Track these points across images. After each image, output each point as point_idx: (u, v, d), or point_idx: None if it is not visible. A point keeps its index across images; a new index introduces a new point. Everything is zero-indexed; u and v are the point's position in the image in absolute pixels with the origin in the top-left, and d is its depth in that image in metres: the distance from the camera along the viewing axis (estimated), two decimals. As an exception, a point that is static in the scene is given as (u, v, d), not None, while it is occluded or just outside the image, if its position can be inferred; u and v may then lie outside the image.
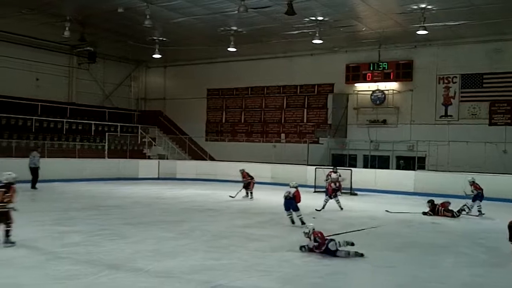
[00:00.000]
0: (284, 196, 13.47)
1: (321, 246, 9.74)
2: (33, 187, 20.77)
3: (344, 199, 20.18)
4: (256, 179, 20.46)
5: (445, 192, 19.47)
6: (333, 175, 18.80)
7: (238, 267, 8.54)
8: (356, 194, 22.42)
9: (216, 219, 14.51)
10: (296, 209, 13.38)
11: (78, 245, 9.85)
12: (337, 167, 20.75)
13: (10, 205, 9.67)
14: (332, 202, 17.17)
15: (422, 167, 25.24)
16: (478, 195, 16.82)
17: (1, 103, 26.63)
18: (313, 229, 10.04)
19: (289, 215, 13.50)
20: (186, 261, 8.83)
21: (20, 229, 11.28)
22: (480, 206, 16.79)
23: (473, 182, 17.05)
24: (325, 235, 10.02)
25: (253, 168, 21.56)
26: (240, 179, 20.15)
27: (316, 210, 16.49)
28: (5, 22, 25.88)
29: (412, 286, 7.96)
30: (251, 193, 19.94)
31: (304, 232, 10.05)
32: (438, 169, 24.27)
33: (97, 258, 8.90)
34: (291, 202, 13.34)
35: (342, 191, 21.52)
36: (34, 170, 20.93)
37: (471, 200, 16.91)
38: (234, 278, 7.73)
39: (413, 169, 24.73)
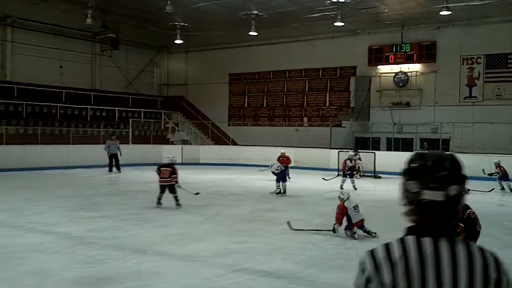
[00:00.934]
0: (277, 172, 16.10)
1: (338, 220, 9.94)
2: (114, 170, 22.84)
3: (367, 182, 20.29)
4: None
5: (470, 174, 19.09)
6: (350, 152, 19.58)
7: (263, 251, 8.61)
8: (379, 177, 22.35)
9: (240, 203, 14.62)
10: (285, 180, 16.40)
11: (104, 230, 10.02)
12: (358, 150, 20.95)
13: (177, 184, 13.19)
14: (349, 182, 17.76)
15: (446, 149, 24.93)
16: (503, 176, 18.13)
17: (26, 91, 27.07)
18: (348, 197, 10.13)
19: (278, 186, 16.08)
20: (211, 245, 8.92)
21: (47, 215, 11.53)
22: (510, 185, 17.86)
23: (499, 164, 18.19)
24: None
25: (276, 152, 21.60)
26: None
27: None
28: (29, 11, 26.21)
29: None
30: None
31: (339, 196, 10.26)
32: (463, 151, 23.95)
33: (124, 242, 9.05)
34: (284, 175, 16.33)
35: (366, 174, 21.71)
36: (110, 156, 22.87)
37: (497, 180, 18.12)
38: (259, 262, 7.79)
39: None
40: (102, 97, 30.92)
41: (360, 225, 10.01)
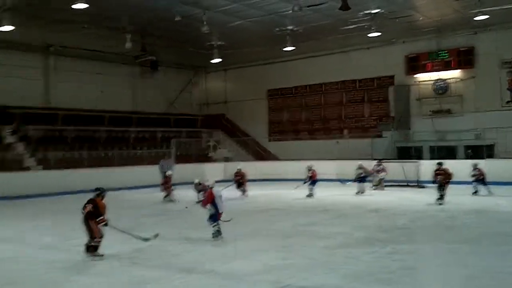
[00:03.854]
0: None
1: (204, 203, 10.99)
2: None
3: (411, 192, 20.10)
4: (320, 176, 20.52)
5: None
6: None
7: (306, 266, 8.64)
8: (423, 187, 22.02)
9: (281, 218, 14.67)
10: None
11: (149, 250, 10.16)
12: (382, 160, 22.77)
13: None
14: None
15: (491, 155, 24.46)
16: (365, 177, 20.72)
17: (70, 116, 27.89)
18: (214, 185, 11.36)
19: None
20: (254, 262, 9.00)
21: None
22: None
23: (361, 166, 20.68)
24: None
25: (317, 166, 21.56)
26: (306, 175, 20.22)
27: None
28: (70, 38, 27.06)
29: (484, 277, 7.84)
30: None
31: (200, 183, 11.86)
32: (509, 156, 23.48)
33: (168, 262, 9.21)
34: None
35: (409, 184, 21.55)
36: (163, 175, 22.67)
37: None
38: (302, 277, 7.82)
39: (482, 158, 24.01)
40: (144, 119, 31.53)
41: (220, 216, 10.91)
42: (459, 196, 17.94)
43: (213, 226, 10.87)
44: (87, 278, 8.24)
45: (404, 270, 8.31)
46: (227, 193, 18.93)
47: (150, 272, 8.52)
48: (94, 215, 9.36)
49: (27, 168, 23.36)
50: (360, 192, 20.10)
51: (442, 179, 16.67)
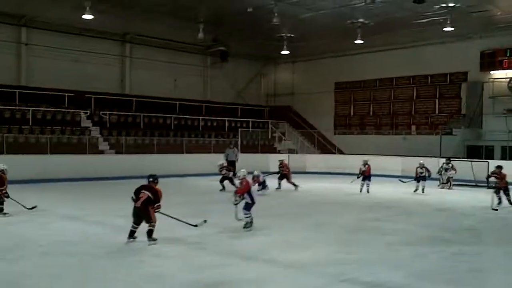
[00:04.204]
0: None
1: (239, 191, 11.20)
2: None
3: (480, 193, 19.55)
4: (385, 172, 20.33)
5: None
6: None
7: (370, 261, 8.65)
8: (493, 187, 21.40)
9: (346, 212, 14.67)
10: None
11: (211, 237, 10.34)
12: (451, 158, 21.97)
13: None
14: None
15: None
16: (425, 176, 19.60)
17: (143, 103, 28.83)
18: (244, 176, 11.25)
19: None
20: (317, 254, 9.09)
21: (162, 222, 12.17)
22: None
23: (423, 165, 19.68)
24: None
25: (382, 161, 21.43)
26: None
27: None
28: (145, 26, 27.95)
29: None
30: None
31: (237, 175, 11.59)
32: None
33: (232, 249, 9.41)
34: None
35: (478, 184, 21.01)
36: (228, 163, 22.44)
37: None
38: (366, 272, 7.82)
39: (558, 160, 23.08)
40: (212, 108, 32.17)
41: None
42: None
43: (247, 217, 11.04)
44: (158, 260, 8.51)
45: (471, 272, 8.16)
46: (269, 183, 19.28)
47: (214, 258, 8.70)
48: (151, 202, 9.68)
49: (101, 152, 24.37)
50: (418, 190, 19.51)
51: (500, 183, 15.72)
